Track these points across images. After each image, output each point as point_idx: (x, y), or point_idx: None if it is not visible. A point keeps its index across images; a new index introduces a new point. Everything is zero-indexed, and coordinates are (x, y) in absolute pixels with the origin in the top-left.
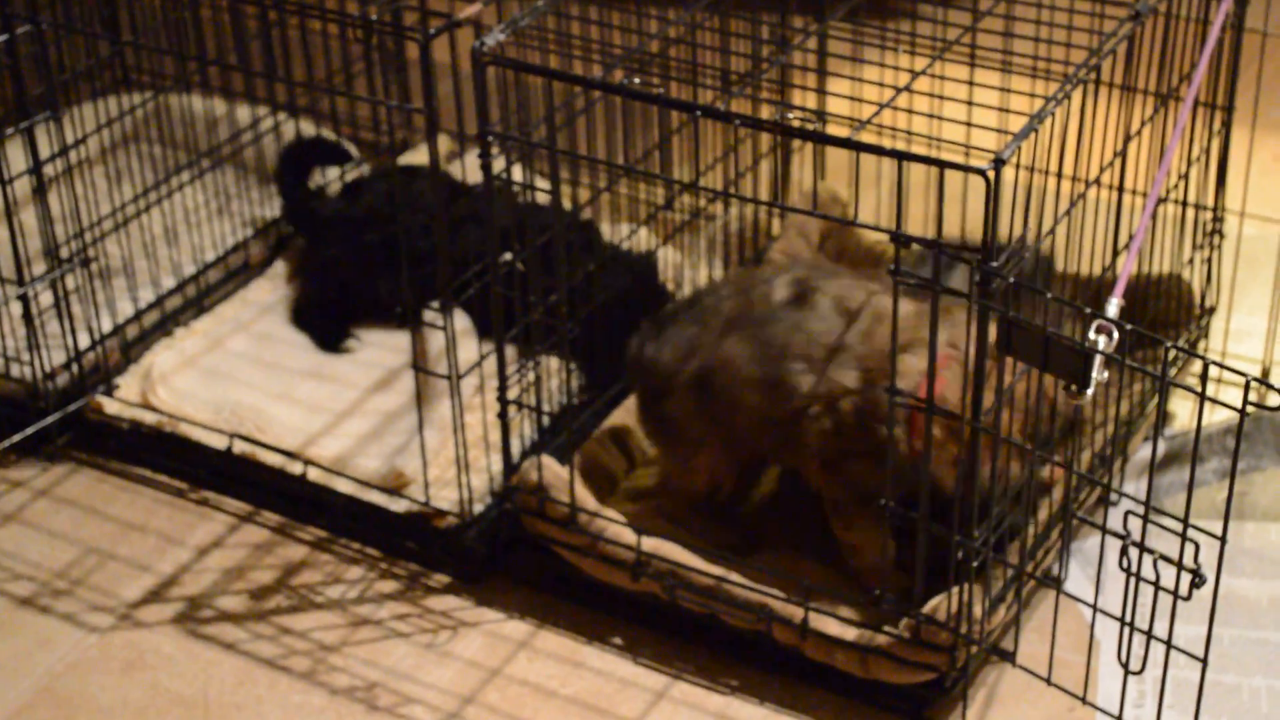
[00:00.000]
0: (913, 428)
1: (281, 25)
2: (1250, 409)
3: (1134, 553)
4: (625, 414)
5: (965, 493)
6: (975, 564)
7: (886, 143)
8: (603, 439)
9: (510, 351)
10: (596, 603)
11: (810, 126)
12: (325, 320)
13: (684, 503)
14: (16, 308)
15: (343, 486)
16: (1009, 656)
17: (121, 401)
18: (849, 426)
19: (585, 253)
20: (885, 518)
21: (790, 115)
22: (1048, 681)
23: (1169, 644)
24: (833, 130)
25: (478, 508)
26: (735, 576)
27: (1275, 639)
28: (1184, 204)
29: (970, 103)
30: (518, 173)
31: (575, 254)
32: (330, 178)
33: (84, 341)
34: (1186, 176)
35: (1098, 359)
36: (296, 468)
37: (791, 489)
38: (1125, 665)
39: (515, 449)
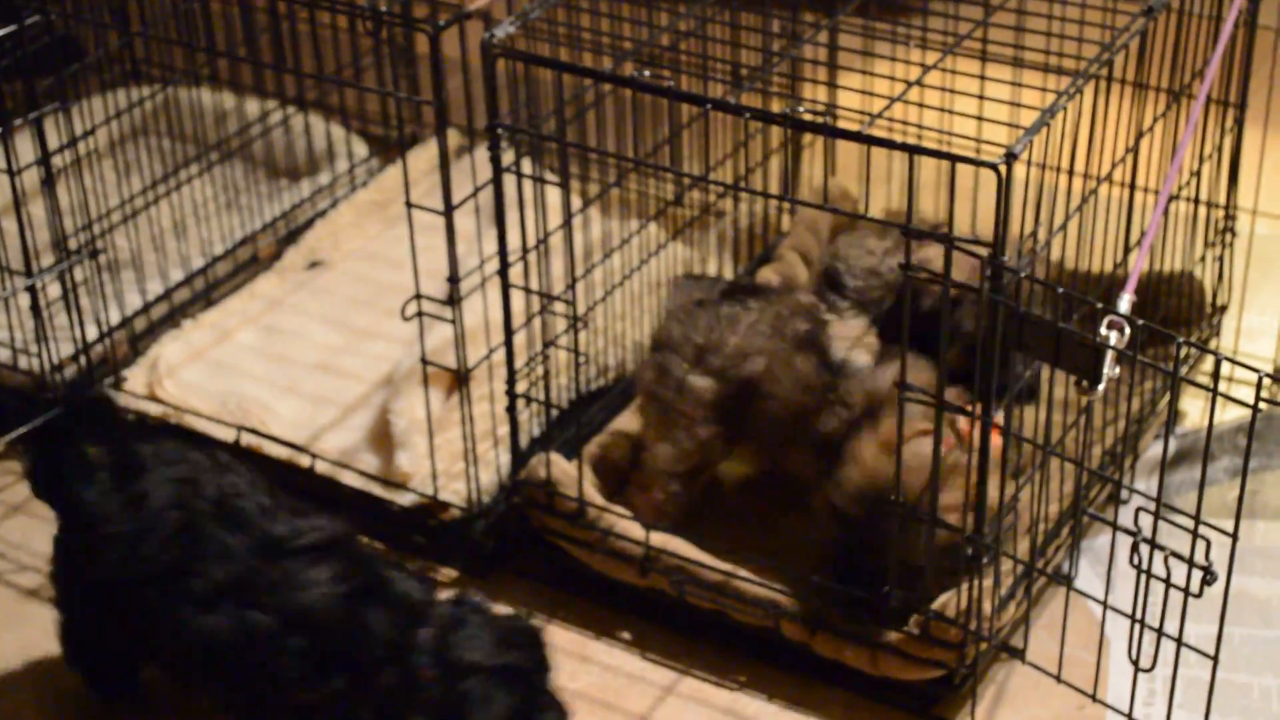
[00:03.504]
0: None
1: (291, 18)
2: (1263, 406)
3: (1145, 549)
4: (632, 417)
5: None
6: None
7: (897, 138)
8: (613, 436)
9: (519, 344)
10: (605, 597)
11: (821, 121)
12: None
13: (664, 475)
14: (24, 299)
15: (349, 480)
16: (1018, 654)
17: (129, 393)
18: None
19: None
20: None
21: (801, 109)
22: (1057, 679)
23: (1180, 642)
24: (843, 125)
25: (485, 501)
26: (744, 572)
27: None
28: (1196, 201)
29: (981, 97)
30: (527, 166)
31: None
32: None
33: (92, 334)
34: (1199, 174)
35: (1109, 354)
36: (303, 460)
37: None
38: (1135, 663)
39: (523, 443)
